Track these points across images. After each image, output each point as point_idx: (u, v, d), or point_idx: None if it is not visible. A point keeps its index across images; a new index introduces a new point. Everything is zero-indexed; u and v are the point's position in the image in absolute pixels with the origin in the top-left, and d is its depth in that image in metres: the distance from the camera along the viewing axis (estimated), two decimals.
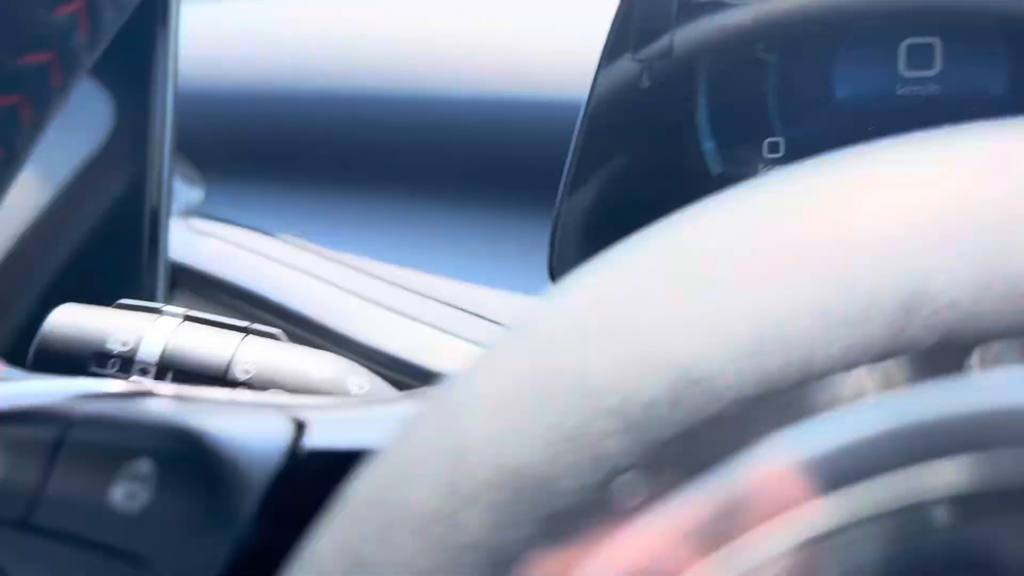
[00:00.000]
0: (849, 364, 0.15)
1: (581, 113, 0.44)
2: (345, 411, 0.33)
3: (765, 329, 0.16)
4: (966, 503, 0.15)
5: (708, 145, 0.44)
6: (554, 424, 0.16)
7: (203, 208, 0.74)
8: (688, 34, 0.45)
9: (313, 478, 0.27)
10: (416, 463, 0.18)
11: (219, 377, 0.44)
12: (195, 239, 0.71)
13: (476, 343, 0.54)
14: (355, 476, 0.20)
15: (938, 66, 0.43)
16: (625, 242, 0.20)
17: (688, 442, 0.16)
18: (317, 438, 0.27)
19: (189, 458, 0.26)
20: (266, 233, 0.69)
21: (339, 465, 0.26)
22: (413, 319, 0.57)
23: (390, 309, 0.58)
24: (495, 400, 0.18)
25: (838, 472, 0.15)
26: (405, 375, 0.53)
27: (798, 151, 0.44)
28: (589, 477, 0.16)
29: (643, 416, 0.16)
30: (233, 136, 0.76)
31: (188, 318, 0.49)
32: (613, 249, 0.20)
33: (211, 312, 0.60)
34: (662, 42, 0.45)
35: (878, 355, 0.15)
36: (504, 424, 0.17)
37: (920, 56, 0.43)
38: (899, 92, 0.43)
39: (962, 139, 0.19)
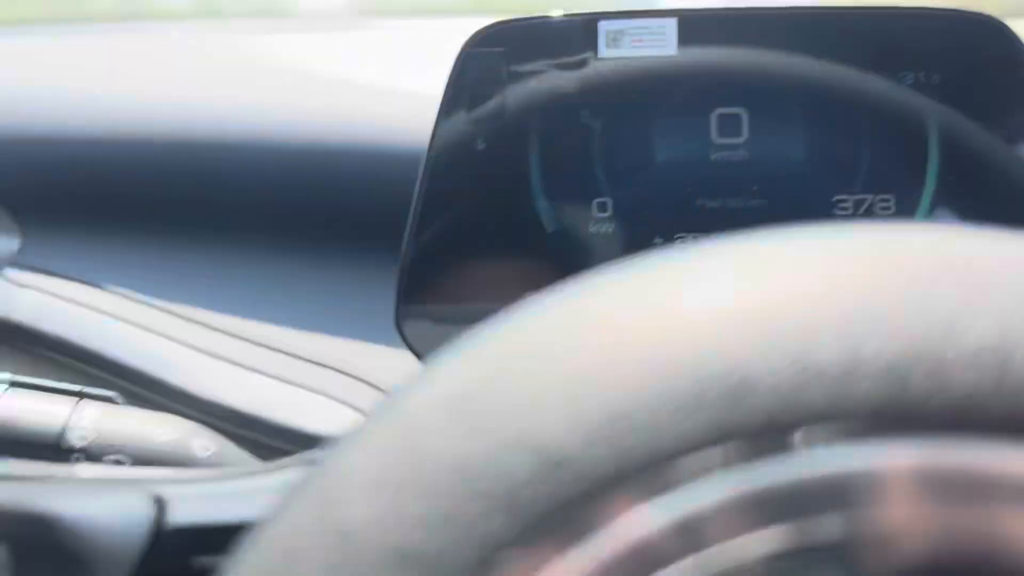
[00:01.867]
0: (688, 447, 0.17)
1: (421, 171, 0.46)
2: (205, 484, 0.33)
3: (616, 417, 0.18)
4: (782, 561, 0.17)
5: (542, 204, 0.47)
6: (433, 507, 0.18)
7: (19, 259, 0.70)
8: (519, 98, 0.47)
9: (178, 556, 0.27)
10: (300, 546, 0.19)
11: (54, 445, 0.43)
12: (12, 291, 0.68)
13: (326, 396, 0.54)
14: (234, 558, 0.21)
15: (745, 134, 0.48)
16: (487, 326, 0.22)
17: (557, 517, 0.18)
18: (179, 514, 0.27)
19: (48, 543, 0.25)
20: (90, 284, 0.67)
21: (204, 542, 0.26)
22: (256, 372, 0.57)
23: (231, 362, 0.58)
24: (375, 484, 0.19)
25: (687, 540, 0.17)
26: (252, 431, 0.53)
27: (624, 211, 0.47)
28: (470, 554, 0.17)
29: (516, 496, 0.18)
30: (49, 181, 0.73)
31: (15, 384, 0.47)
32: (475, 333, 0.22)
33: (35, 368, 0.58)
34: (495, 104, 0.47)
35: (711, 438, 0.17)
36: (385, 507, 0.19)
37: (729, 125, 0.48)
38: (712, 157, 0.48)
39: (784, 240, 0.22)
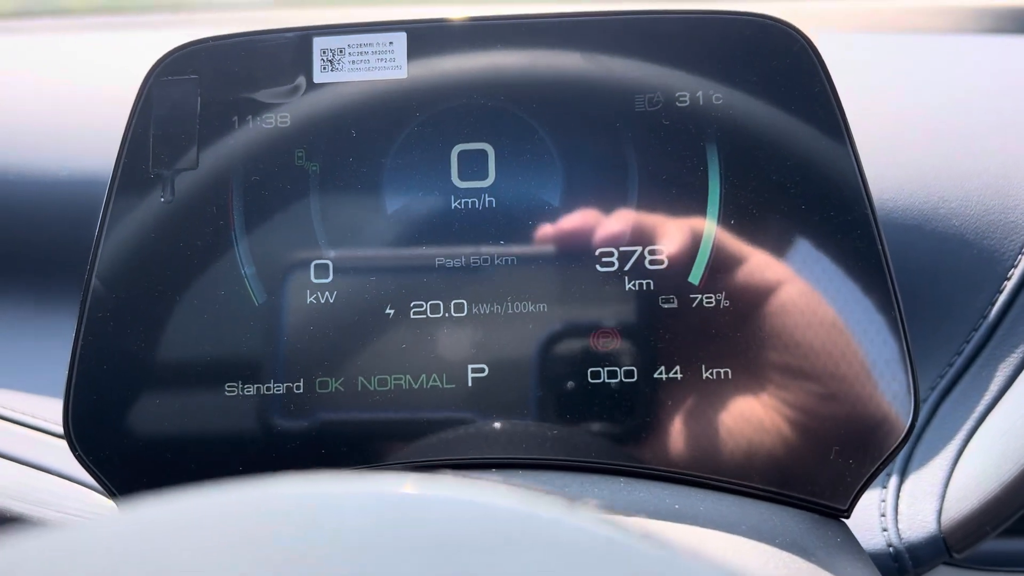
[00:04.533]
0: None
1: (96, 230, 0.38)
2: None
3: None
4: None
5: (247, 270, 0.38)
6: None
7: None
8: (217, 137, 0.38)
9: None
10: None
11: None
12: None
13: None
14: None
15: (491, 177, 0.38)
16: None
17: None
18: None
19: None
20: None
21: None
22: None
23: None
24: None
25: None
26: None
27: (348, 276, 0.38)
28: None
29: None
30: None
31: None
32: None
33: None
34: (187, 144, 0.38)
35: None
36: None
37: (473, 164, 0.38)
38: (453, 205, 0.38)
39: None
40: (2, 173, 0.57)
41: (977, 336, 0.49)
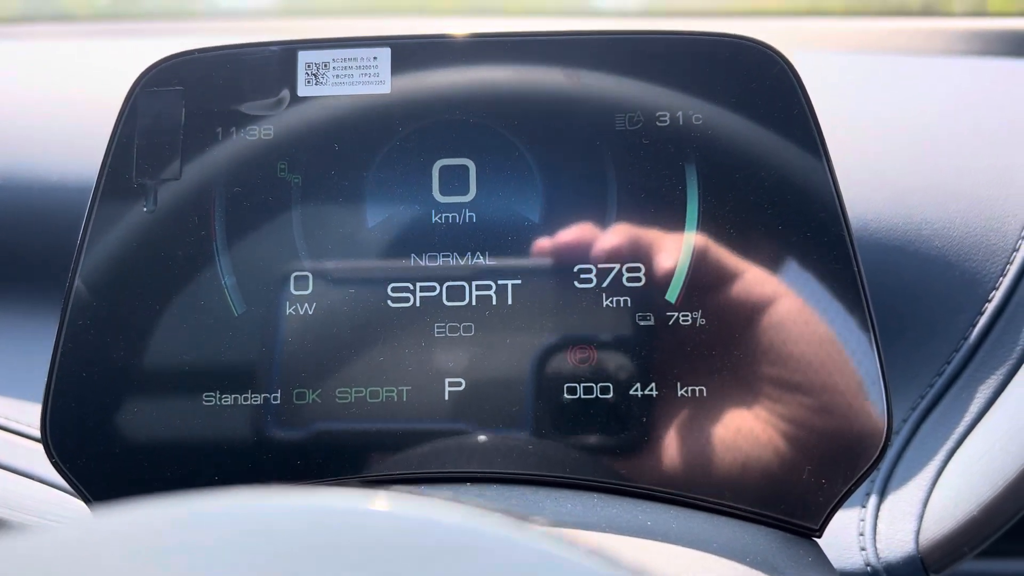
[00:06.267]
0: None
1: (79, 240, 0.38)
2: None
3: None
4: None
5: (228, 280, 0.38)
6: None
7: None
8: (201, 148, 0.39)
9: None
10: None
11: None
12: None
13: None
14: None
15: (472, 192, 0.38)
16: None
17: None
18: None
19: None
20: None
21: None
22: None
23: None
24: None
25: None
26: None
27: (327, 288, 0.38)
28: None
29: None
30: None
31: None
32: None
33: None
34: (171, 155, 0.39)
35: None
36: None
37: (454, 179, 0.38)
38: (434, 219, 0.38)
39: None
40: None
41: (958, 357, 0.49)
